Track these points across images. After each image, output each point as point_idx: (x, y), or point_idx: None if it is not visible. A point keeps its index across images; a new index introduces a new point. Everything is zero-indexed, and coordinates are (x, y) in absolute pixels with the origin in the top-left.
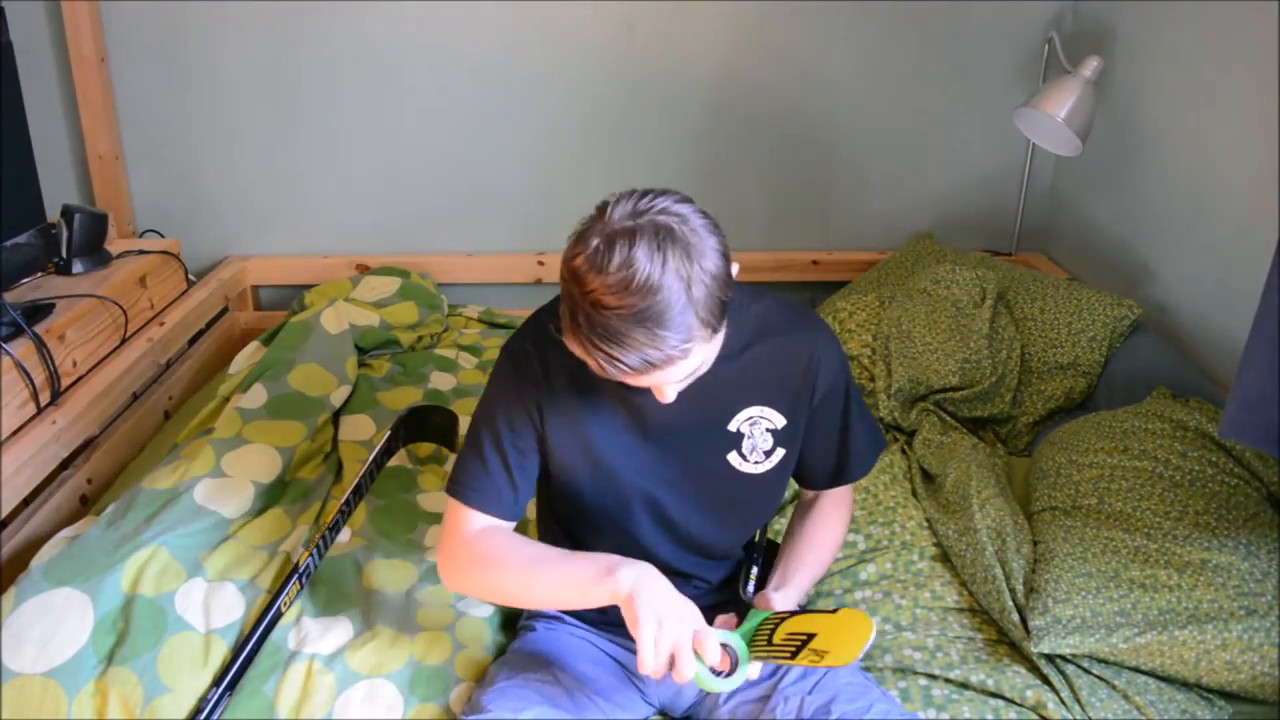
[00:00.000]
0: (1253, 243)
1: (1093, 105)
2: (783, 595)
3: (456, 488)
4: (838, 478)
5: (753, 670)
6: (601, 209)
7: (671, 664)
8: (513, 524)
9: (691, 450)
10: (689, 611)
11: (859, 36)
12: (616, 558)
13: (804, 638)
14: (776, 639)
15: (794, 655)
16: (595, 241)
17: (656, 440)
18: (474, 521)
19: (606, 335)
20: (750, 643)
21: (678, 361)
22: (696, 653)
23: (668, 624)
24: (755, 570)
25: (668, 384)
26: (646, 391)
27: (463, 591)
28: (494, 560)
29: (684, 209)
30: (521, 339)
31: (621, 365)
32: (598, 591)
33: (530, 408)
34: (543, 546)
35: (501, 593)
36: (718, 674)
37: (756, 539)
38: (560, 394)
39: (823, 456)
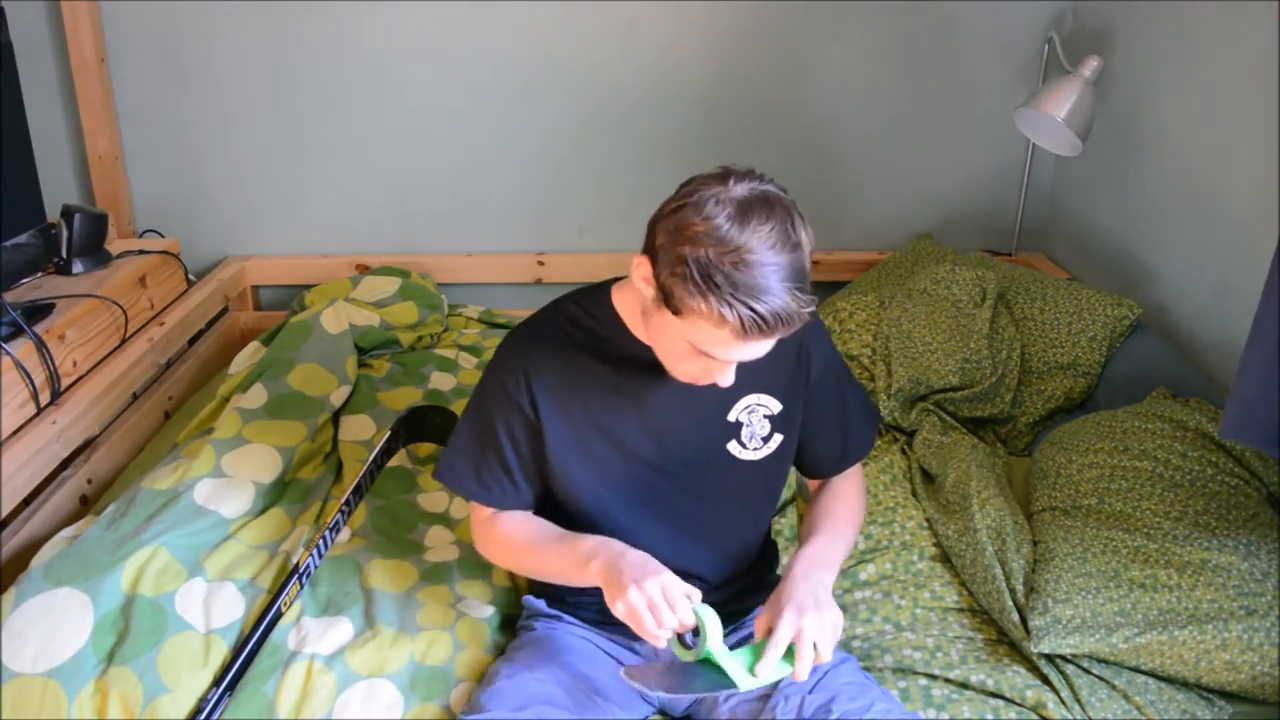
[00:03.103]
0: (1253, 243)
1: (1093, 105)
2: (812, 547)
3: (462, 487)
4: (844, 459)
5: (767, 670)
6: (699, 184)
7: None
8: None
9: (692, 442)
10: (654, 572)
11: (858, 36)
12: (589, 546)
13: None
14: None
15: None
16: (724, 209)
17: (657, 434)
18: (487, 509)
19: (752, 291)
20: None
21: (797, 323)
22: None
23: (634, 588)
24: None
25: (756, 357)
26: (651, 390)
27: (502, 566)
28: (504, 546)
29: (780, 190)
30: (512, 344)
31: (762, 321)
32: (581, 578)
33: (526, 413)
34: (541, 528)
35: (523, 570)
36: (685, 645)
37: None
38: (557, 396)
39: (826, 439)
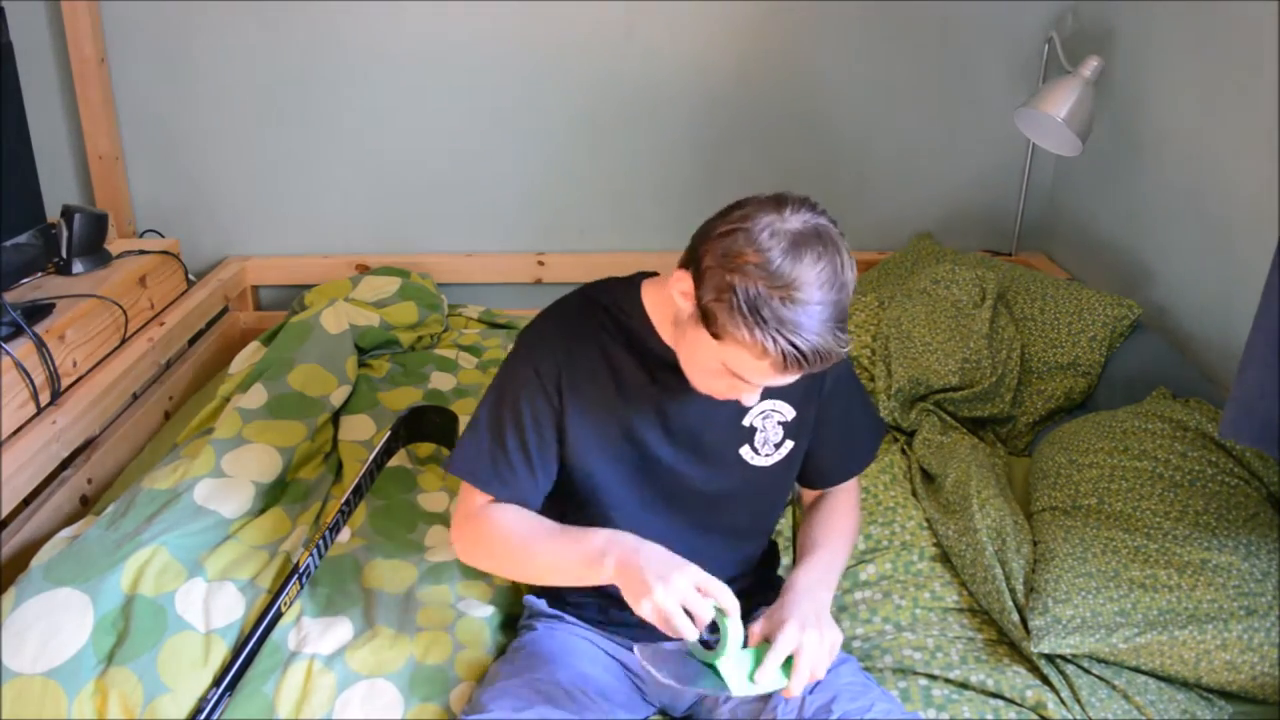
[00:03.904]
0: (1253, 243)
1: (1093, 105)
2: (807, 565)
3: (474, 475)
4: (845, 472)
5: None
6: (755, 209)
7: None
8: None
9: (707, 444)
10: (679, 566)
11: (859, 36)
12: (600, 541)
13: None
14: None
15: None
16: (779, 242)
17: (674, 434)
18: (484, 500)
19: (798, 329)
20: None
21: (834, 360)
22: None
23: (662, 586)
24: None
25: (784, 384)
26: (672, 390)
27: (475, 566)
28: (494, 540)
29: (829, 221)
30: (544, 325)
31: (802, 357)
32: (591, 576)
33: (551, 396)
34: (538, 523)
35: (507, 570)
36: (707, 646)
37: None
38: (582, 385)
39: (831, 450)
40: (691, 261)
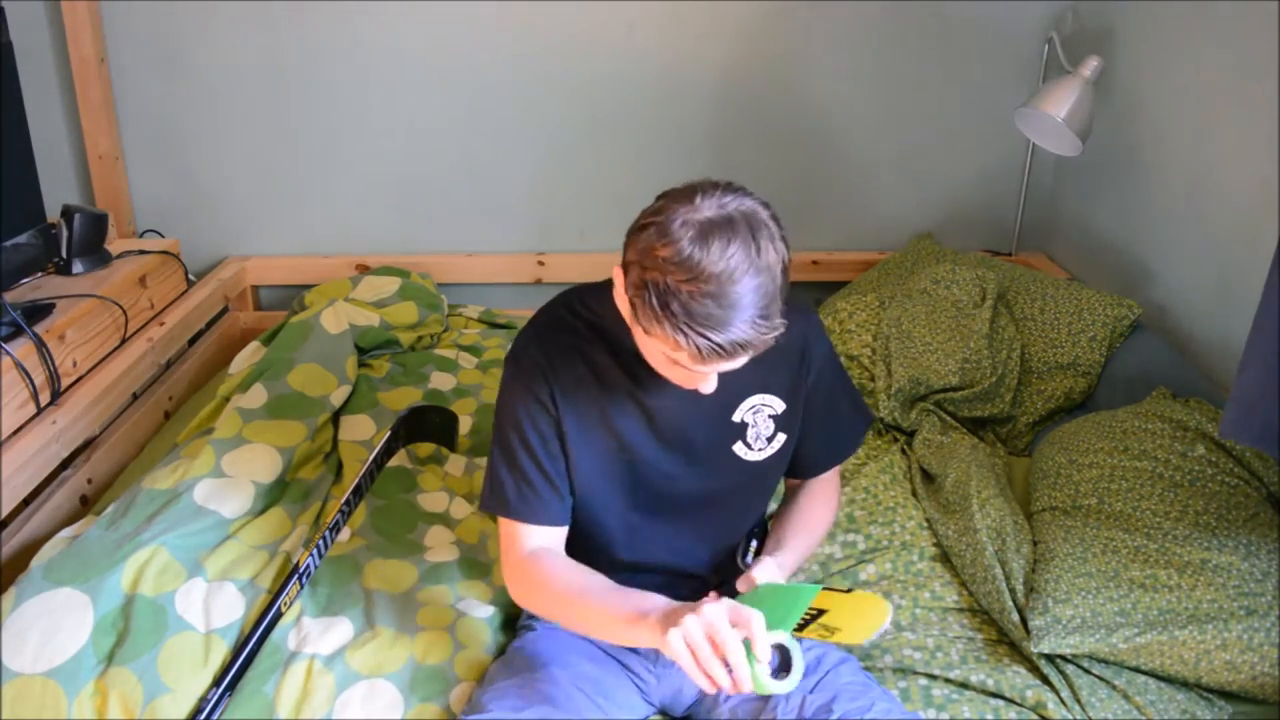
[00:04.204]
0: (1253, 243)
1: (1093, 105)
2: (778, 560)
3: (503, 506)
4: (828, 461)
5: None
6: (671, 200)
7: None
8: (564, 531)
9: (698, 443)
10: (723, 621)
11: (859, 36)
12: (649, 601)
13: (815, 612)
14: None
15: (802, 628)
16: (688, 232)
17: (663, 435)
18: (528, 539)
19: (708, 321)
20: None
21: (762, 346)
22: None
23: (699, 629)
24: (755, 544)
25: (729, 370)
26: (657, 392)
27: (528, 609)
28: (545, 589)
29: (756, 202)
30: (525, 343)
31: (719, 349)
32: (636, 634)
33: (548, 408)
34: (588, 576)
35: (557, 619)
36: (775, 675)
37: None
38: (571, 395)
39: (815, 440)
40: (623, 259)
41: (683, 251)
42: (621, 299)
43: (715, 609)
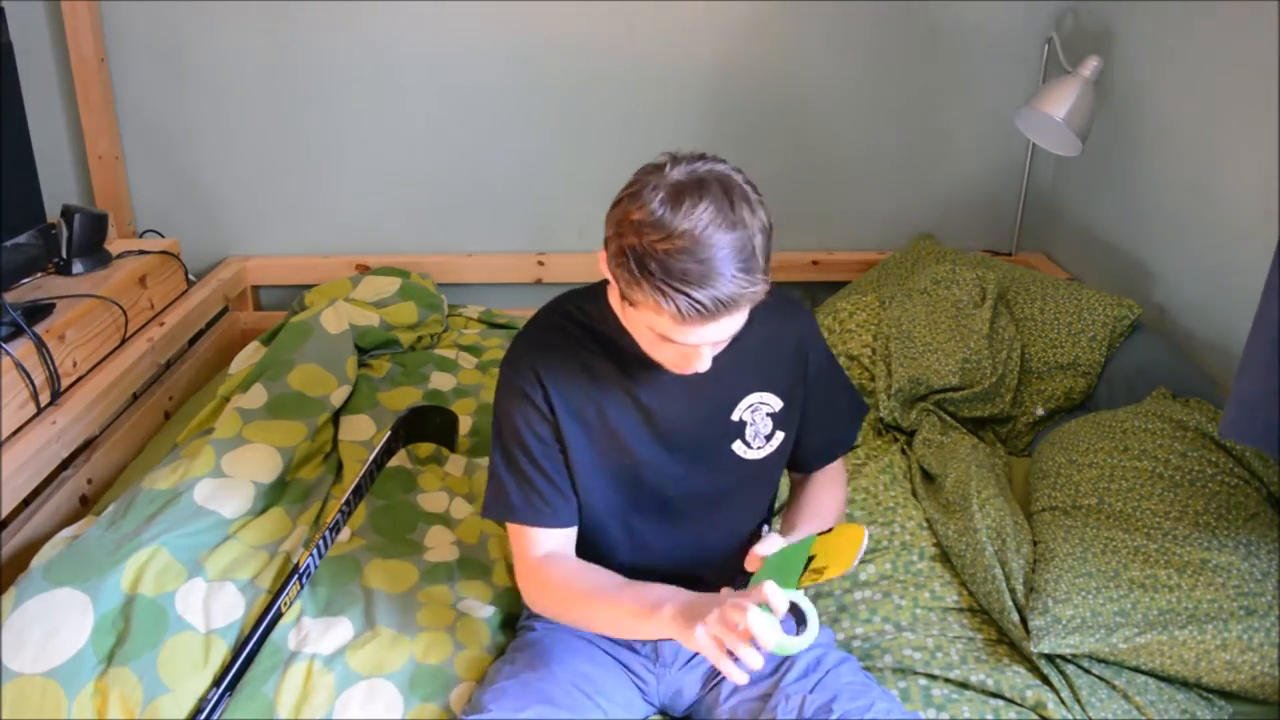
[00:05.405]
0: (1253, 243)
1: (1093, 105)
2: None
3: (509, 511)
4: (830, 454)
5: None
6: (643, 172)
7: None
8: (574, 531)
9: (697, 443)
10: (740, 607)
11: (859, 36)
12: (659, 593)
13: (806, 560)
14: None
15: (798, 580)
16: (659, 195)
17: (662, 435)
18: (539, 544)
19: (686, 277)
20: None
21: (745, 305)
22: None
23: (717, 621)
24: (767, 529)
25: (716, 340)
26: (655, 391)
27: (541, 614)
28: (559, 592)
29: (729, 168)
30: (519, 348)
31: (700, 306)
32: (649, 627)
33: (544, 412)
34: (599, 575)
35: (570, 621)
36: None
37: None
38: (568, 397)
39: (815, 434)
40: (604, 239)
41: (655, 213)
42: (612, 291)
43: (731, 603)
